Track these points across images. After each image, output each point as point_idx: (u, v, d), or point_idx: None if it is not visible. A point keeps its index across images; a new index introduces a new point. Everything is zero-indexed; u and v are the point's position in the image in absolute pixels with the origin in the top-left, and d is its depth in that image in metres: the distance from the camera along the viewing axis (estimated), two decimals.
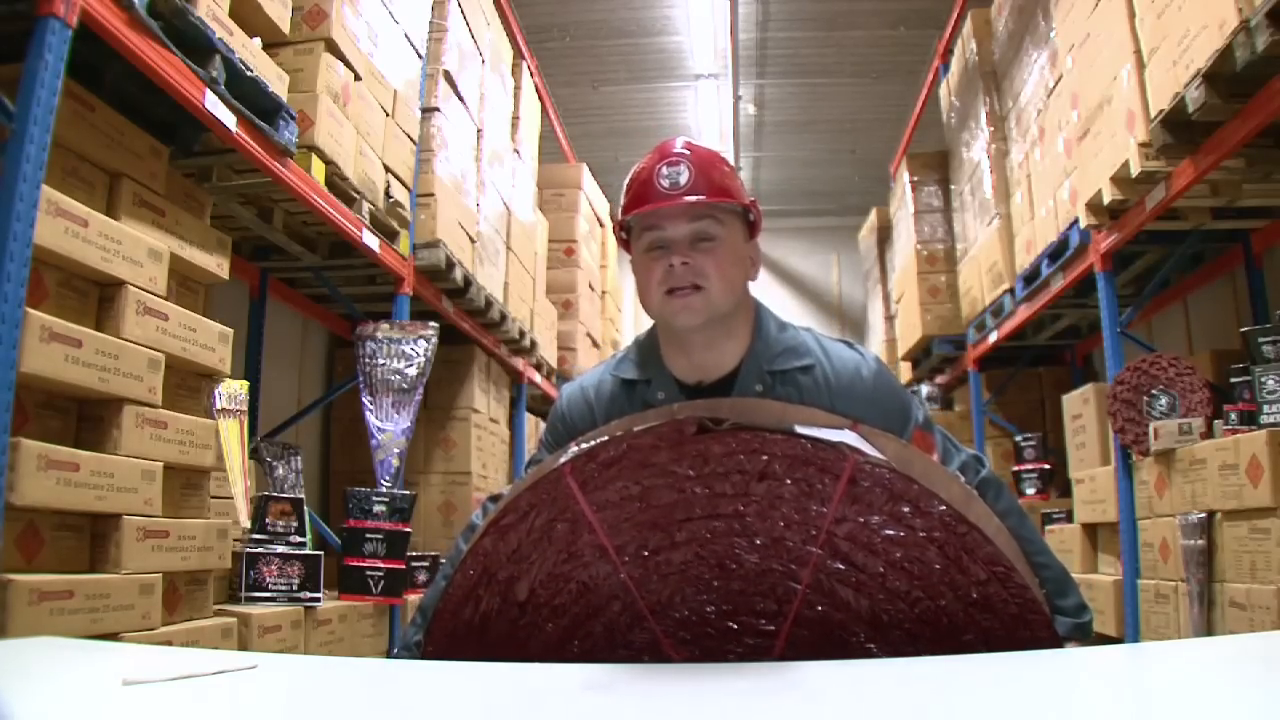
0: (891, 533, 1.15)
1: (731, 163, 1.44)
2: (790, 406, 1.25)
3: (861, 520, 1.15)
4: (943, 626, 1.15)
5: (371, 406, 3.58)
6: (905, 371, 6.90)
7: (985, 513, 1.18)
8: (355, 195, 3.32)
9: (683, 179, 1.29)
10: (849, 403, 1.28)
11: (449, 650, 1.29)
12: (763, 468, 1.17)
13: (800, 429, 1.18)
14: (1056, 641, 1.21)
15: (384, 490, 3.48)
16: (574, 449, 1.24)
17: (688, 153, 1.32)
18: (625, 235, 1.40)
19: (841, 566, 1.16)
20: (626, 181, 1.36)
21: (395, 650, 1.45)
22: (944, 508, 1.13)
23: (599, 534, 1.20)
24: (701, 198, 1.29)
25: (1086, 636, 1.29)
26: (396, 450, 3.58)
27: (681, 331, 1.33)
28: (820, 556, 1.16)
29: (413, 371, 3.63)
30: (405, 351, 3.64)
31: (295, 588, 3.02)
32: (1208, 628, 2.77)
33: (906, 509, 1.14)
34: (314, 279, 4.12)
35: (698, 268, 1.28)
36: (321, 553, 3.16)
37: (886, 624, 1.16)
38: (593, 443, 1.23)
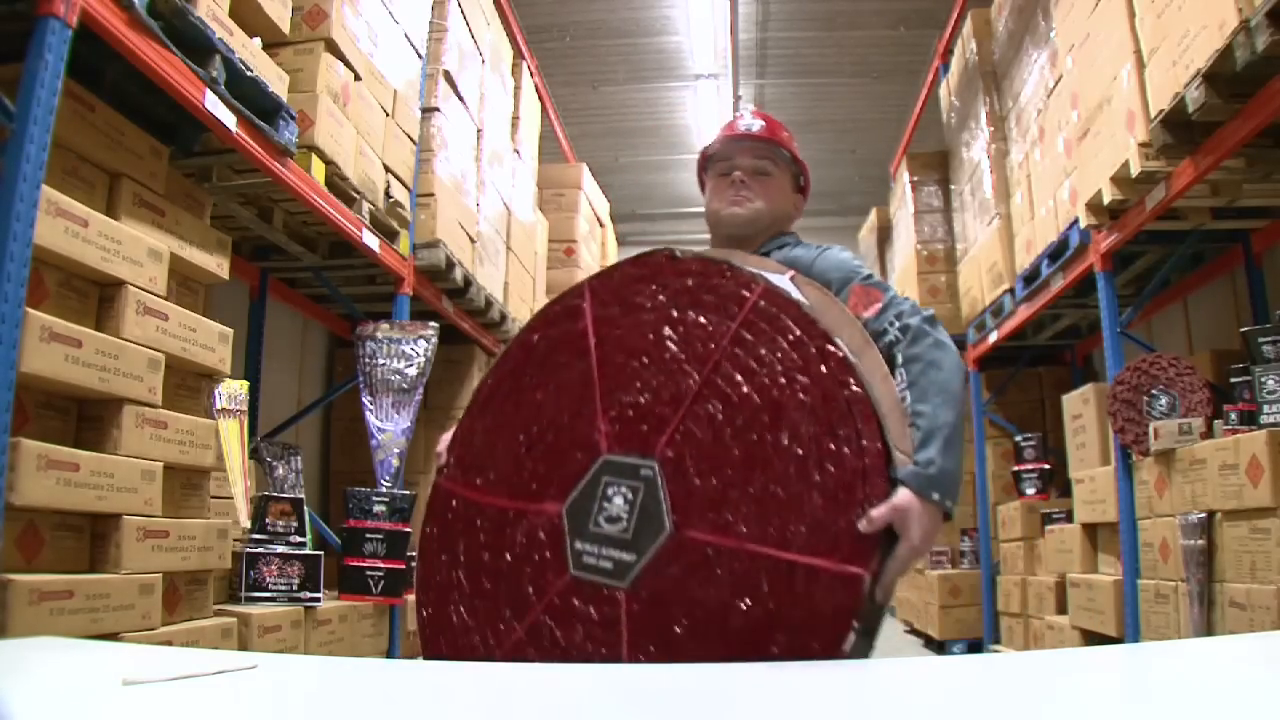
0: (780, 357, 1.35)
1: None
2: (748, 256, 1.52)
3: (756, 338, 1.37)
4: (799, 437, 1.30)
5: (371, 406, 3.59)
6: None
7: (876, 360, 1.35)
8: (355, 195, 3.32)
9: (755, 127, 1.76)
10: (794, 266, 1.54)
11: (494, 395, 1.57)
12: (698, 285, 1.45)
13: (735, 263, 1.44)
14: (888, 483, 1.22)
15: (384, 490, 3.48)
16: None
17: (761, 118, 1.80)
18: (705, 174, 1.81)
19: (732, 376, 1.38)
20: (716, 135, 1.82)
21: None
22: (829, 345, 1.31)
23: (588, 324, 1.51)
24: (763, 139, 1.74)
25: (926, 491, 1.24)
26: (396, 450, 3.59)
27: (726, 228, 1.72)
28: (717, 363, 1.38)
29: (413, 371, 3.63)
30: (405, 351, 3.64)
31: (295, 588, 3.02)
32: (1208, 628, 2.77)
33: (800, 340, 1.34)
34: (314, 279, 4.12)
35: (753, 189, 1.72)
36: (321, 553, 3.16)
37: (759, 426, 1.33)
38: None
